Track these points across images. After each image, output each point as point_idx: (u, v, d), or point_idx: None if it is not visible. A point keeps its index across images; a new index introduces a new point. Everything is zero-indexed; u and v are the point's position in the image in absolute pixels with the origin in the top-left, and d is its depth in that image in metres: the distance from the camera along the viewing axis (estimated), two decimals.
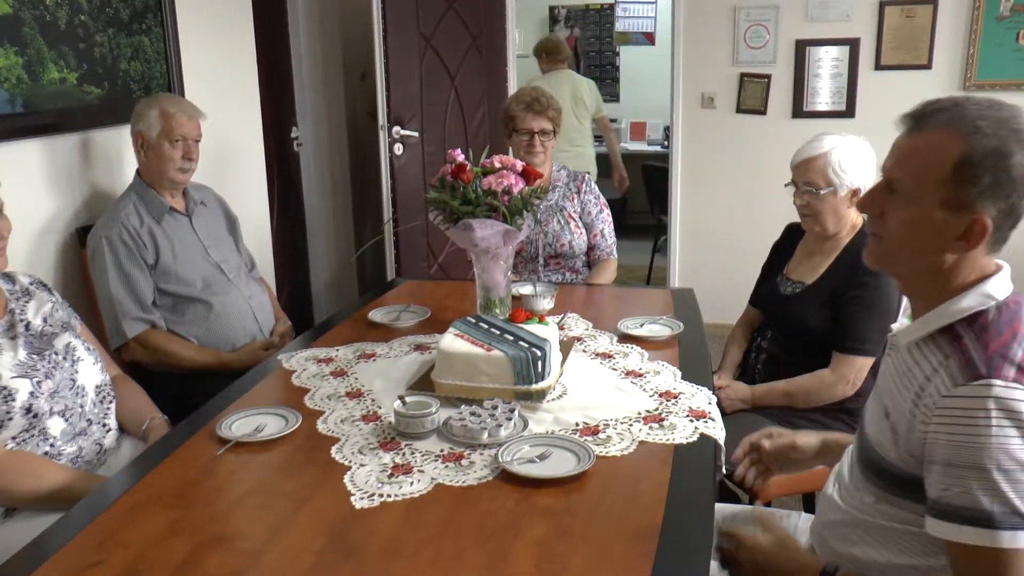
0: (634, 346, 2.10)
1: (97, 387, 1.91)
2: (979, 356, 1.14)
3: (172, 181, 2.48)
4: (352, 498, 1.39)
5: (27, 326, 1.83)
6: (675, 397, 1.78)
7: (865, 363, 2.14)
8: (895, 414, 1.24)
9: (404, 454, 1.54)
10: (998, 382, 1.10)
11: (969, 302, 1.20)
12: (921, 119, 1.21)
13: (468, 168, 2.06)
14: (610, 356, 2.04)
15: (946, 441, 1.12)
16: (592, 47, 7.59)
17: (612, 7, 7.29)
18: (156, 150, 2.44)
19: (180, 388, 2.36)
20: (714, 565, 1.49)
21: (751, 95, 4.52)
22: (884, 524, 1.27)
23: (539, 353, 1.74)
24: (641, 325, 2.21)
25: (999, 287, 1.21)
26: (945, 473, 1.13)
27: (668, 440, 1.59)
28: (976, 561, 1.12)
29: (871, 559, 1.29)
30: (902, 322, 1.33)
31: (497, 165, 2.09)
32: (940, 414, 1.14)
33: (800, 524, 1.67)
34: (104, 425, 1.89)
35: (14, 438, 1.71)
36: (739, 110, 4.56)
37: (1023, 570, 1.10)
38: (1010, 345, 1.14)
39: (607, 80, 7.61)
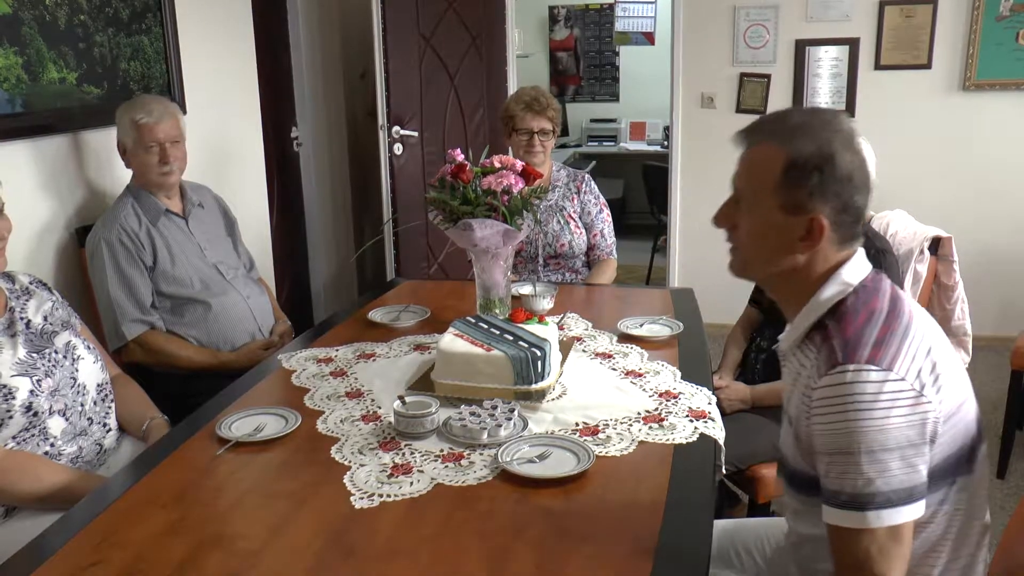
0: (634, 346, 2.10)
1: (98, 385, 1.90)
2: (838, 343, 1.19)
3: (158, 185, 2.47)
4: (352, 498, 1.39)
5: (27, 324, 1.83)
6: (675, 397, 1.78)
7: None
8: (795, 420, 1.28)
9: (404, 454, 1.54)
10: (851, 367, 1.15)
11: (828, 292, 1.25)
12: (751, 133, 1.29)
13: (468, 168, 2.06)
14: (610, 356, 2.04)
15: (820, 431, 1.18)
16: (592, 47, 7.59)
17: (612, 7, 7.28)
18: (136, 158, 2.44)
19: (180, 388, 2.35)
20: None
21: (751, 95, 4.52)
22: (820, 532, 1.26)
23: (539, 353, 1.74)
24: (641, 325, 2.21)
25: (853, 272, 1.26)
26: (824, 462, 1.19)
27: (668, 440, 1.59)
28: (846, 541, 1.16)
29: (829, 570, 1.29)
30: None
31: (497, 165, 2.09)
32: (814, 407, 1.19)
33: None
34: (104, 425, 1.89)
35: (14, 437, 1.71)
36: (739, 110, 4.55)
37: (884, 547, 1.14)
38: (865, 326, 1.20)
39: (607, 80, 7.61)
